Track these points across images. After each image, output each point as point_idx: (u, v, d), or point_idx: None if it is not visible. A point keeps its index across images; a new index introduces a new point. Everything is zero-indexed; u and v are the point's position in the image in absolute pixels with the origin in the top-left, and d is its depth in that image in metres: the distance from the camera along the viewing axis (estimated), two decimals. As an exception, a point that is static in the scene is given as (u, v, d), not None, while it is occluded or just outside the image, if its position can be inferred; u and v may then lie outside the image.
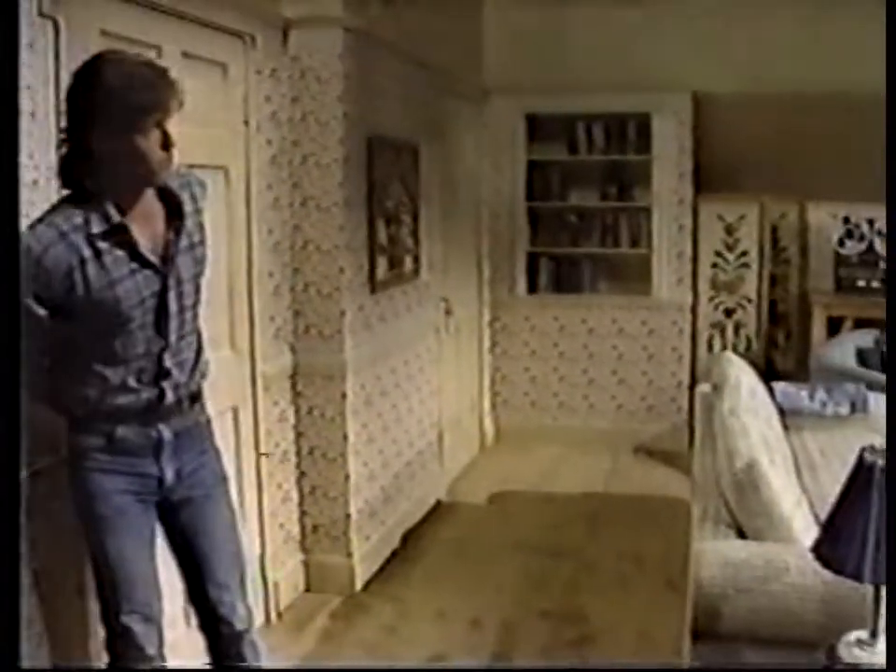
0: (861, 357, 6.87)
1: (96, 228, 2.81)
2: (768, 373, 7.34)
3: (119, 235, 2.85)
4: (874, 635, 2.68)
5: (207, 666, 3.38)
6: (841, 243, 7.99)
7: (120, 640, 3.09)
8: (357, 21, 5.09)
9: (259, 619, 4.20)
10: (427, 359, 6.47)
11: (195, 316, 3.14)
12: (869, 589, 2.67)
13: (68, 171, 2.86)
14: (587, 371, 8.17)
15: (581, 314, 8.13)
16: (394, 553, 5.80)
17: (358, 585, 5.33)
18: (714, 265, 8.01)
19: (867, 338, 7.12)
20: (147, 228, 2.93)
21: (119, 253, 2.86)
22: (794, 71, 7.26)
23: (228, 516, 3.33)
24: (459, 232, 7.39)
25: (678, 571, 4.86)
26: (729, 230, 7.96)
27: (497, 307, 8.25)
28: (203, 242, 3.14)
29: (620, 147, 8.04)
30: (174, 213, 3.01)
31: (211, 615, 3.28)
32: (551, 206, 8.21)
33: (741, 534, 3.54)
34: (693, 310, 8.04)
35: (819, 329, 7.80)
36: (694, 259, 7.98)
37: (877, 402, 5.86)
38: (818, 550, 2.75)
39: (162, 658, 3.17)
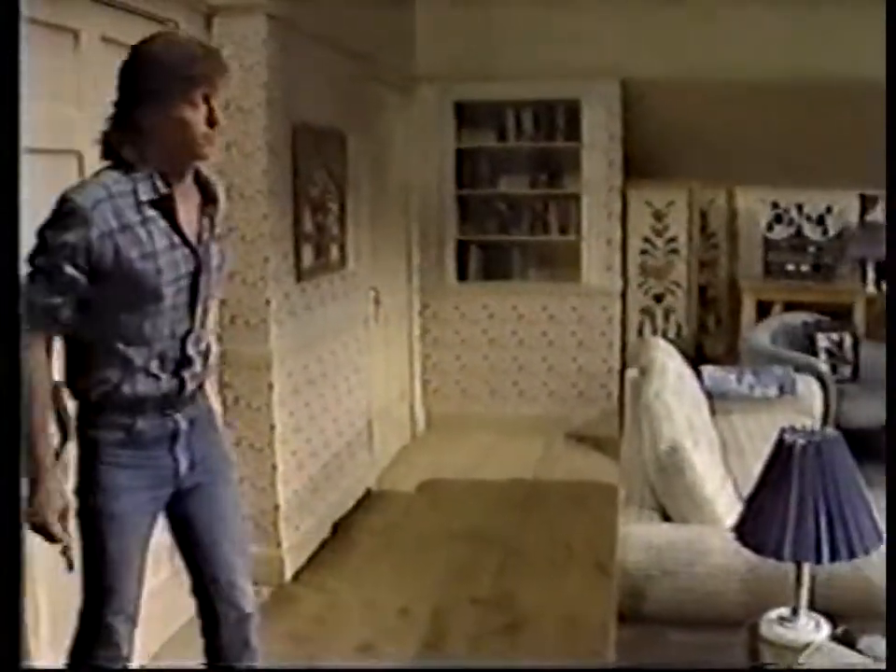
0: (790, 340, 6.93)
1: (144, 196, 2.81)
2: (699, 358, 7.40)
3: (165, 207, 2.86)
4: (795, 612, 2.70)
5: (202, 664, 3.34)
6: (770, 227, 8.07)
7: (98, 638, 3.02)
8: (282, 8, 5.03)
9: (188, 612, 4.15)
10: (355, 348, 6.43)
11: (210, 307, 3.14)
12: (790, 567, 2.69)
13: (112, 142, 2.85)
14: (517, 358, 8.17)
15: (510, 301, 8.12)
16: (324, 543, 5.77)
17: (288, 576, 5.29)
18: (643, 251, 8.05)
19: (795, 321, 7.19)
20: (184, 209, 2.93)
21: (163, 224, 2.86)
22: (722, 58, 7.28)
23: (236, 499, 3.32)
24: (388, 221, 7.35)
25: (607, 555, 4.87)
26: (658, 216, 8.00)
27: (426, 295, 8.22)
28: (222, 236, 3.18)
29: (549, 134, 8.05)
30: (208, 199, 3.02)
31: (220, 599, 3.23)
32: (480, 194, 8.20)
33: (666, 517, 3.56)
34: (623, 296, 8.07)
35: (748, 313, 7.89)
36: (624, 246, 8.02)
37: (805, 384, 5.93)
38: (739, 530, 2.76)
39: (131, 656, 3.12)
